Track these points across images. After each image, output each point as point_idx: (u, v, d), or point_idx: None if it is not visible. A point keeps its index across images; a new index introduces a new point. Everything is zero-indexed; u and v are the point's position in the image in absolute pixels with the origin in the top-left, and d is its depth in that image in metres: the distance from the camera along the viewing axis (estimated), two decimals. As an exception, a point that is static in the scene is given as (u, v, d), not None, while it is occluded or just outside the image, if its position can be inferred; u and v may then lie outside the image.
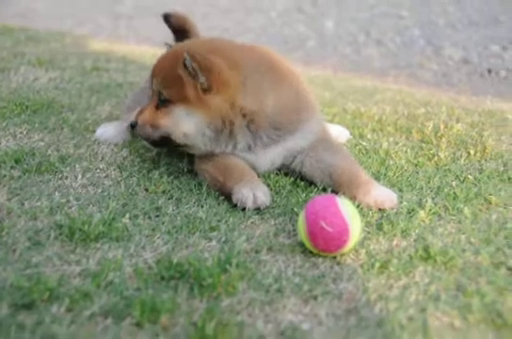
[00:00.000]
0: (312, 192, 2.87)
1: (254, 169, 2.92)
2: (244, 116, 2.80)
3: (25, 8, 10.01)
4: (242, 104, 2.77)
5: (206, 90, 2.74)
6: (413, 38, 8.33)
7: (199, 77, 2.72)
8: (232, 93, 2.75)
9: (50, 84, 4.45)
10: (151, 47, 7.14)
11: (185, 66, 2.71)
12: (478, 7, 9.95)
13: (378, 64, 7.24)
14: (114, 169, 3.04)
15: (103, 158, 3.17)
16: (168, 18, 3.66)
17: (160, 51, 6.47)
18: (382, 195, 2.77)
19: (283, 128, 2.87)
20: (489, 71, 6.76)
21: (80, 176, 2.92)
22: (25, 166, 2.95)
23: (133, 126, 2.93)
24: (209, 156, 2.89)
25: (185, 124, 2.80)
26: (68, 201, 2.65)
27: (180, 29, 3.67)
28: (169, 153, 3.28)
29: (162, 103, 2.84)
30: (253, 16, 9.75)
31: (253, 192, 2.69)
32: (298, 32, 8.76)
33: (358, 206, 2.67)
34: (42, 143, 3.27)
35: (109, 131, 3.45)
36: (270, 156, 2.94)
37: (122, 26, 8.97)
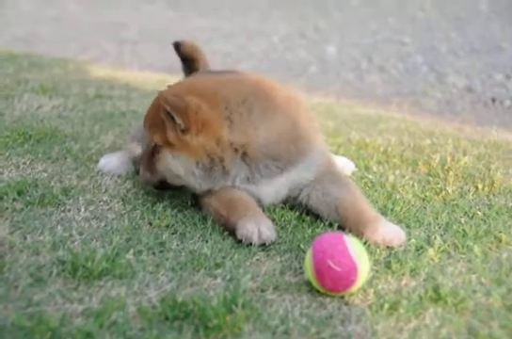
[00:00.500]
0: (318, 227, 2.83)
1: (259, 201, 2.88)
2: (235, 150, 2.78)
3: (29, 33, 10.03)
4: (230, 139, 2.76)
5: (185, 131, 2.76)
6: (416, 65, 8.33)
7: (176, 119, 2.74)
8: (216, 130, 2.75)
9: (53, 112, 4.42)
10: (153, 73, 7.14)
11: (165, 110, 2.76)
12: (480, 33, 9.99)
13: (381, 91, 7.23)
14: (117, 202, 3.00)
15: (106, 190, 3.13)
16: (178, 47, 3.66)
17: (162, 77, 6.49)
18: (390, 232, 2.72)
19: (282, 158, 2.84)
20: (493, 100, 6.75)
21: (83, 209, 2.88)
22: (28, 198, 2.91)
23: (138, 173, 3.05)
24: (212, 190, 2.86)
25: (174, 167, 2.85)
26: (71, 236, 2.61)
27: (189, 58, 3.66)
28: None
29: (155, 148, 2.89)
30: (255, 41, 9.77)
31: (258, 227, 2.65)
32: (300, 57, 8.77)
33: (365, 243, 2.62)
34: (45, 174, 3.23)
35: (112, 162, 3.41)
36: (274, 188, 2.90)
37: (127, 52, 8.98)
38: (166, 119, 2.77)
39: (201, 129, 2.74)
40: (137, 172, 3.04)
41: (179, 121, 2.73)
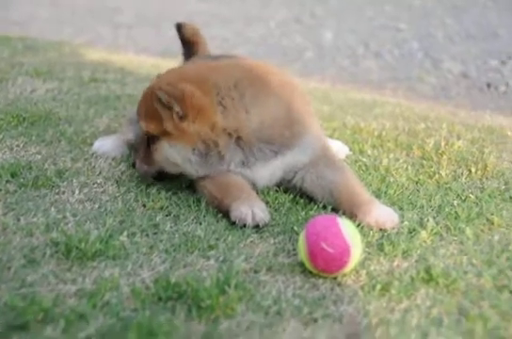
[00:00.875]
0: (311, 210, 2.84)
1: (253, 184, 2.89)
2: (229, 135, 2.79)
3: (24, 17, 9.99)
4: (224, 124, 2.77)
5: (182, 118, 2.76)
6: (412, 50, 8.33)
7: (173, 107, 2.74)
8: (210, 116, 2.76)
9: (47, 95, 4.41)
10: (149, 57, 7.12)
11: (159, 99, 2.75)
12: (476, 20, 9.98)
13: (377, 76, 7.23)
14: (111, 184, 3.00)
15: (100, 173, 3.13)
16: (180, 28, 3.65)
17: (157, 61, 6.48)
18: (383, 215, 2.74)
19: (276, 142, 2.84)
20: (488, 85, 6.75)
21: (77, 191, 2.88)
22: (22, 180, 2.91)
23: (133, 166, 3.02)
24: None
25: (171, 155, 2.85)
26: (64, 218, 2.61)
27: (190, 41, 3.65)
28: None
29: (151, 139, 2.88)
30: (253, 26, 9.75)
31: (252, 209, 2.67)
32: (297, 43, 8.76)
33: (358, 226, 2.63)
34: (39, 156, 3.23)
35: (107, 144, 3.41)
36: (269, 171, 2.91)
37: (122, 36, 8.96)
38: (161, 108, 2.77)
39: (197, 116, 2.74)
40: (133, 165, 3.02)
41: (177, 108, 2.73)
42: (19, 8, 10.67)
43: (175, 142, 2.81)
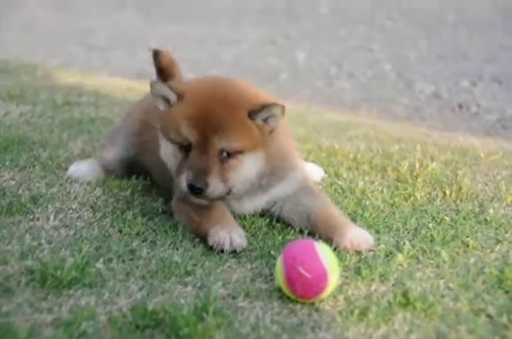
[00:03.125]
0: (288, 234, 2.85)
1: (233, 212, 2.90)
2: None
3: (-4, 38, 9.97)
4: None
5: (271, 132, 2.79)
6: (384, 71, 8.41)
7: (270, 123, 2.76)
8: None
9: (21, 119, 4.39)
10: (123, 79, 7.11)
11: (256, 112, 2.72)
12: (447, 41, 10.11)
13: (350, 97, 7.29)
14: (87, 210, 2.99)
15: (75, 198, 3.11)
16: (156, 55, 3.63)
17: (132, 84, 6.47)
18: (358, 236, 2.75)
19: (269, 176, 2.89)
20: (460, 106, 6.83)
21: (52, 217, 2.86)
22: (-5, 206, 2.89)
23: (201, 189, 2.67)
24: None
25: (251, 172, 2.79)
26: (39, 245, 2.59)
27: (165, 69, 3.62)
28: (144, 192, 3.25)
29: (227, 156, 2.72)
30: (226, 47, 9.79)
31: (230, 234, 2.66)
32: (271, 64, 8.81)
33: (335, 250, 2.64)
34: (13, 182, 3.20)
35: (82, 169, 3.39)
36: (254, 202, 2.95)
37: (96, 58, 8.94)
38: (258, 121, 2.74)
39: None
40: (191, 187, 2.67)
41: (273, 123, 2.76)
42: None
43: (261, 155, 2.77)
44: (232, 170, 2.71)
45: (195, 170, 2.66)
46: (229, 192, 2.74)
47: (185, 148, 2.72)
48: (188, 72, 7.61)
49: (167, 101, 2.80)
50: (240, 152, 2.71)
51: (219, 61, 8.90)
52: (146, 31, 11.02)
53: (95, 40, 10.27)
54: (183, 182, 2.68)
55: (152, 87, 2.80)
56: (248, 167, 2.75)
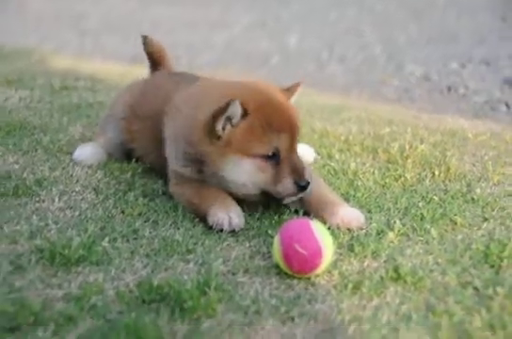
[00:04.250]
0: (284, 214, 2.96)
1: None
2: None
3: (-12, 24, 9.98)
4: None
5: None
6: (375, 54, 8.49)
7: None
8: None
9: (21, 104, 4.48)
10: (117, 64, 7.18)
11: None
12: (437, 23, 10.19)
13: (342, 81, 7.37)
14: (90, 192, 3.10)
15: (78, 181, 3.22)
16: (145, 41, 3.72)
17: (126, 69, 6.54)
18: (349, 215, 2.87)
19: None
20: (449, 88, 6.93)
21: (57, 199, 2.96)
22: (2, 189, 2.99)
23: (306, 186, 2.82)
24: (185, 180, 2.96)
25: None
26: (47, 225, 2.70)
27: (154, 55, 3.72)
28: (144, 174, 3.36)
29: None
30: (217, 31, 9.84)
31: (228, 214, 2.77)
32: (262, 48, 8.86)
33: (329, 228, 2.75)
34: (17, 166, 3.31)
35: (86, 152, 3.50)
36: None
37: (88, 42, 8.99)
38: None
39: None
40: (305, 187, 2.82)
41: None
42: (-17, 16, 10.66)
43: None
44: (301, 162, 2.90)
45: (298, 171, 2.81)
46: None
47: (271, 157, 2.79)
48: (181, 55, 7.72)
49: (228, 120, 2.77)
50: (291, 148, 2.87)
51: (211, 45, 8.96)
52: (138, 15, 11.05)
53: (87, 24, 10.30)
54: (289, 185, 2.79)
55: (231, 105, 2.72)
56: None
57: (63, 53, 7.96)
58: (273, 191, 2.82)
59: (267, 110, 2.78)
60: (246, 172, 2.81)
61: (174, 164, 3.02)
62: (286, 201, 2.89)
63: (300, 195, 2.86)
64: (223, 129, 2.77)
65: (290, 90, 3.00)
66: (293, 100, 2.99)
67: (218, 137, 2.78)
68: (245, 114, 2.75)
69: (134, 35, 8.76)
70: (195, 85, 3.14)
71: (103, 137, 3.55)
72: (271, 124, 2.77)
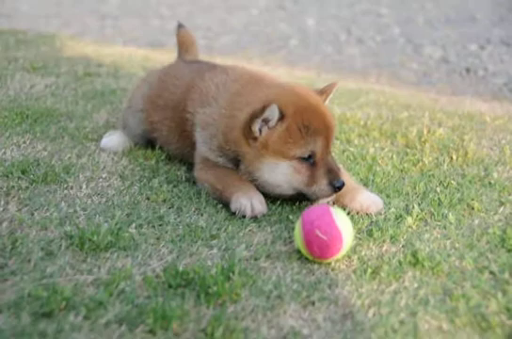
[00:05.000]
0: (304, 200, 3.02)
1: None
2: None
3: (10, 9, 10.04)
4: None
5: None
6: (393, 36, 8.49)
7: None
8: None
9: (46, 91, 4.56)
10: (138, 48, 7.24)
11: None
12: (455, 4, 10.14)
13: (360, 63, 7.40)
14: (116, 179, 3.18)
15: (104, 167, 3.30)
16: (179, 29, 3.82)
17: (147, 53, 6.60)
18: (367, 200, 2.95)
19: None
20: (468, 70, 6.94)
21: (84, 186, 3.05)
22: (32, 176, 3.07)
23: (341, 186, 2.87)
24: (210, 166, 3.03)
25: None
26: (75, 212, 2.79)
27: (185, 44, 3.80)
28: (167, 161, 3.45)
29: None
30: (235, 14, 9.85)
31: (251, 201, 2.85)
32: (280, 31, 8.88)
33: (348, 214, 2.82)
34: (46, 153, 3.39)
35: (113, 140, 3.60)
36: None
37: (108, 27, 9.05)
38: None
39: None
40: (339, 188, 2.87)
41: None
42: (4, 1, 10.71)
43: None
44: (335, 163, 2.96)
45: (333, 173, 2.87)
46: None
47: (307, 159, 2.86)
48: (200, 39, 7.75)
49: (265, 122, 2.85)
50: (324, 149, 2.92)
51: (229, 28, 8.98)
52: (155, -1, 11.09)
53: (107, 8, 10.35)
54: (324, 186, 2.85)
55: (268, 108, 2.80)
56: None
57: (84, 37, 8.03)
58: (308, 192, 2.88)
59: (305, 114, 2.85)
60: (282, 174, 2.88)
61: (205, 151, 3.08)
62: (322, 201, 2.94)
63: (334, 196, 2.93)
64: (260, 131, 2.86)
65: (325, 92, 3.04)
66: (327, 101, 3.06)
67: (255, 139, 2.86)
68: (282, 117, 2.82)
69: (152, 19, 8.85)
70: (232, 76, 3.21)
71: (125, 129, 3.63)
72: (308, 128, 2.84)
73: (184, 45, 3.81)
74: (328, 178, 2.85)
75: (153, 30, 7.68)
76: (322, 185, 2.85)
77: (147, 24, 8.86)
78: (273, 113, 2.81)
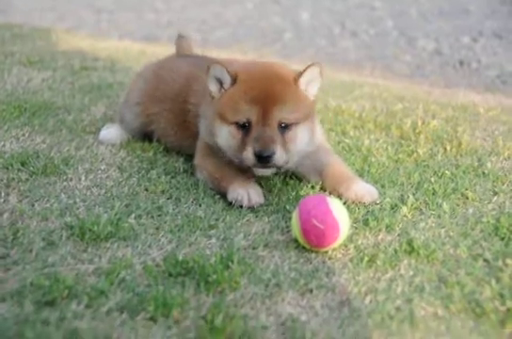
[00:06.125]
0: (301, 190, 3.07)
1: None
2: None
3: (4, 3, 10.03)
4: None
5: (315, 101, 3.07)
6: (386, 29, 8.52)
7: (314, 87, 3.03)
8: None
9: (43, 84, 4.59)
10: (133, 42, 7.26)
11: (299, 77, 2.95)
12: (448, -4, 10.18)
13: (354, 56, 7.43)
14: (114, 170, 3.22)
15: (103, 159, 3.34)
16: (180, 38, 3.86)
17: (142, 47, 6.62)
18: (362, 189, 2.99)
19: None
20: (461, 62, 6.99)
21: (83, 178, 3.09)
22: (31, 168, 3.11)
23: (269, 157, 2.84)
24: (211, 155, 3.07)
25: (305, 142, 3.00)
26: (75, 203, 2.83)
27: (182, 49, 3.84)
28: (165, 153, 3.48)
29: (285, 128, 2.91)
30: (230, 8, 9.87)
31: (248, 192, 2.89)
32: (275, 24, 8.91)
33: (345, 203, 2.86)
34: (44, 145, 3.43)
35: (111, 132, 3.64)
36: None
37: (104, 21, 9.06)
38: (305, 92, 2.99)
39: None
40: (260, 156, 2.83)
41: (314, 88, 3.02)
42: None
43: (309, 126, 3.00)
44: (291, 142, 2.92)
45: (262, 141, 2.84)
46: (287, 163, 2.92)
47: (243, 126, 2.89)
48: (195, 32, 7.78)
49: (219, 83, 2.97)
50: (295, 123, 2.92)
51: (224, 21, 9.00)
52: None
53: (102, 2, 10.35)
54: (249, 154, 2.84)
55: (210, 68, 2.95)
56: (302, 137, 2.96)
57: (79, 31, 8.05)
58: (239, 159, 2.90)
59: (251, 82, 2.92)
60: (224, 138, 2.97)
61: (209, 140, 3.12)
62: (256, 172, 2.96)
63: (269, 169, 2.92)
64: (218, 92, 3.00)
65: (300, 72, 3.00)
66: (304, 80, 2.99)
67: (213, 98, 3.00)
68: (234, 82, 2.94)
69: (147, 13, 8.86)
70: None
71: (122, 123, 3.67)
72: (247, 95, 2.90)
73: (184, 49, 3.85)
74: (255, 147, 2.84)
75: (148, 24, 7.69)
76: (249, 152, 2.86)
77: (142, 17, 8.87)
78: (219, 73, 2.95)
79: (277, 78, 2.94)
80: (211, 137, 3.06)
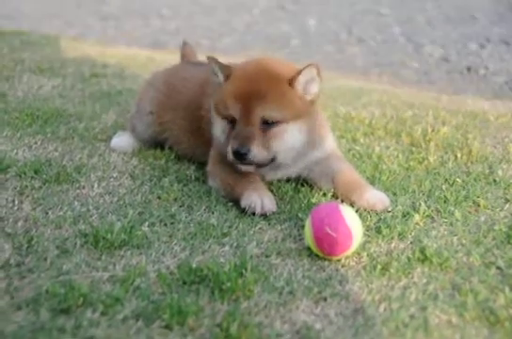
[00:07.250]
0: (313, 198, 3.08)
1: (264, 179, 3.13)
2: None
3: (12, 10, 10.07)
4: None
5: (313, 101, 3.03)
6: (394, 35, 8.54)
7: (313, 88, 2.99)
8: None
9: (54, 92, 4.62)
10: (141, 49, 7.28)
11: (294, 78, 2.92)
12: (455, 3, 10.19)
13: (361, 62, 7.44)
14: (126, 178, 3.23)
15: (115, 167, 3.35)
16: (185, 45, 3.89)
17: (150, 53, 6.64)
18: (374, 197, 3.00)
19: (312, 143, 3.10)
20: (468, 69, 6.98)
21: (96, 185, 3.10)
22: (44, 176, 3.12)
23: (244, 154, 2.88)
24: (224, 162, 3.05)
25: (295, 140, 2.99)
26: (88, 211, 2.84)
27: (185, 56, 3.87)
28: (177, 160, 3.49)
29: (270, 125, 2.92)
30: (236, 15, 9.89)
31: (261, 199, 2.90)
32: (282, 31, 8.92)
33: (357, 211, 2.87)
34: (57, 153, 3.44)
35: (123, 140, 3.66)
36: (291, 170, 3.18)
37: (111, 27, 9.08)
38: (299, 90, 2.96)
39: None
40: (236, 153, 2.88)
41: (313, 89, 2.99)
42: (6, 2, 10.74)
43: (305, 125, 2.98)
44: (275, 138, 2.92)
45: (239, 138, 2.88)
46: (273, 159, 2.94)
47: (231, 122, 2.95)
48: (202, 39, 7.80)
49: (217, 77, 3.06)
50: (282, 121, 2.92)
51: (231, 28, 9.03)
52: (156, -1, 11.13)
53: (108, 9, 10.38)
54: (229, 150, 2.90)
55: (208, 63, 3.06)
56: (290, 136, 2.95)
57: (86, 38, 8.07)
58: (226, 154, 2.95)
59: (241, 79, 2.96)
60: (216, 129, 3.07)
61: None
62: (239, 168, 2.98)
63: (248, 166, 2.94)
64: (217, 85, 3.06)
65: (297, 72, 2.96)
66: (301, 79, 2.95)
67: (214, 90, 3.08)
68: (227, 78, 3.00)
69: (153, 19, 8.88)
70: None
71: (133, 132, 3.68)
72: (234, 92, 2.95)
73: (185, 58, 3.88)
74: (234, 143, 2.88)
75: (155, 31, 7.71)
76: (229, 148, 2.91)
77: (148, 24, 8.89)
78: (215, 68, 3.03)
79: (267, 76, 2.95)
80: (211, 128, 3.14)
